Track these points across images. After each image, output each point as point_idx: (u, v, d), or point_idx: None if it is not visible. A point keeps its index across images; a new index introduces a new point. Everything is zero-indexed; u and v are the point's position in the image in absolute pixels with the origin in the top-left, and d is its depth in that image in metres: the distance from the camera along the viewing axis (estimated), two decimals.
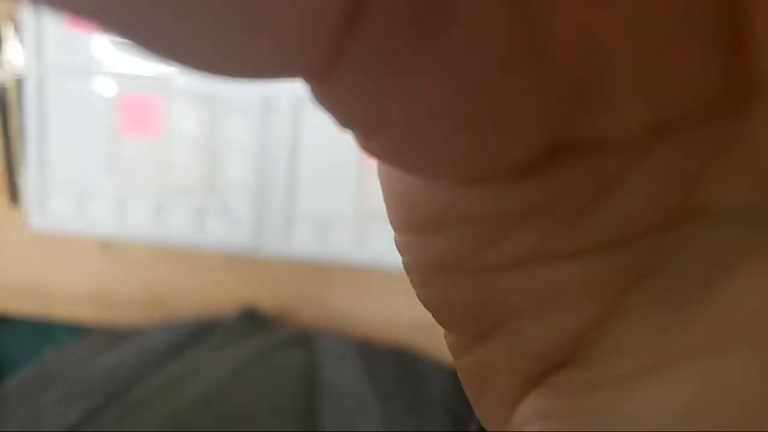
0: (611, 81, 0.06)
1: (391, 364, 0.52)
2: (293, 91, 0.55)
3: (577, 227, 0.08)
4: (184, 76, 0.54)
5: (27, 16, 0.55)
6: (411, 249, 0.09)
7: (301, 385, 0.40)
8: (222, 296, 0.60)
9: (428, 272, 0.09)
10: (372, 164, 0.57)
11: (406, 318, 0.60)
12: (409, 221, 0.09)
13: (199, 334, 0.52)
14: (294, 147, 0.58)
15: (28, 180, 0.58)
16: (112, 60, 0.57)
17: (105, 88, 0.57)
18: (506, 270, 0.08)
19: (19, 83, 0.57)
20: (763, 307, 0.06)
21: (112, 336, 0.53)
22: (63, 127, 0.58)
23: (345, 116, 0.07)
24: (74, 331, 0.61)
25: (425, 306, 0.10)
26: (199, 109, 0.57)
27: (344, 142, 0.57)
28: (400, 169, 0.08)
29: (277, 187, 0.58)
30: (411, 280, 0.10)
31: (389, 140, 0.07)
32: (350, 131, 0.08)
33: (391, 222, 0.09)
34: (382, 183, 0.09)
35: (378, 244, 0.59)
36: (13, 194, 0.60)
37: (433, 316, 0.10)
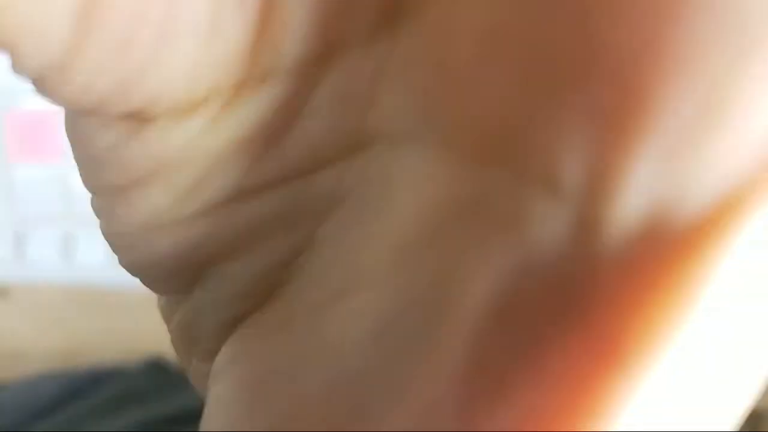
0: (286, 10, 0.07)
1: None
2: None
3: (266, 162, 0.08)
4: None
5: None
6: (110, 211, 0.09)
7: None
8: (144, 342, 0.51)
9: (130, 234, 0.09)
10: None
11: None
12: (106, 181, 0.08)
13: (93, 384, 0.44)
14: None
15: None
16: None
17: None
18: (205, 215, 0.08)
19: None
20: (413, 228, 0.07)
21: None
22: None
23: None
24: None
25: (130, 271, 0.09)
26: None
27: None
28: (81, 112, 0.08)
29: None
30: (111, 246, 0.09)
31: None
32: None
33: (85, 185, 0.09)
34: (71, 145, 0.09)
35: None
36: None
37: (141, 279, 0.09)
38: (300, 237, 0.08)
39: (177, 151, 0.08)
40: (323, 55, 0.07)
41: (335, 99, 0.07)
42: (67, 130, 0.09)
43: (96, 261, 0.51)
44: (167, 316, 0.10)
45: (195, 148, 0.08)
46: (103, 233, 0.09)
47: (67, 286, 0.51)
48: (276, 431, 0.07)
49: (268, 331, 0.08)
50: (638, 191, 0.06)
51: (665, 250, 0.06)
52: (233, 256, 0.08)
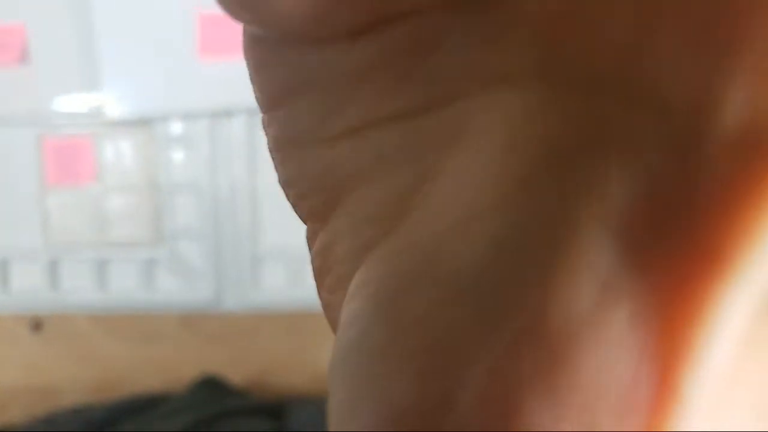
0: None
1: None
2: (244, 107, 0.47)
3: (400, 91, 0.08)
4: (113, 108, 0.46)
5: None
6: (271, 125, 0.10)
7: None
8: (183, 367, 0.49)
9: (285, 148, 0.09)
10: None
11: None
12: (269, 94, 0.09)
13: (141, 408, 0.43)
14: (252, 175, 0.49)
15: None
16: (28, 99, 0.49)
17: (23, 132, 0.49)
18: (346, 137, 0.09)
19: None
20: (534, 160, 0.07)
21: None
22: None
23: None
24: None
25: (284, 187, 0.10)
26: (135, 144, 0.48)
27: None
28: (249, 22, 0.09)
29: (236, 227, 0.49)
30: (273, 161, 0.10)
31: None
32: None
33: (258, 103, 0.10)
34: (248, 64, 0.09)
35: None
36: None
37: (290, 200, 0.10)
38: (425, 167, 0.08)
39: (323, 72, 0.09)
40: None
41: (469, 38, 0.08)
42: (245, 49, 0.09)
43: (128, 285, 0.49)
44: (310, 246, 0.10)
45: (337, 71, 0.08)
46: (270, 149, 0.10)
47: (100, 313, 0.50)
48: (406, 336, 0.07)
49: (394, 255, 0.08)
50: (736, 108, 0.07)
51: (763, 164, 0.07)
52: (366, 181, 0.09)
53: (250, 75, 0.10)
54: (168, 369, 0.49)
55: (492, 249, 0.07)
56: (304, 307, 0.49)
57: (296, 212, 0.10)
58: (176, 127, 0.48)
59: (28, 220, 0.49)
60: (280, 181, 0.10)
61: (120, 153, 0.49)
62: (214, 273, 0.49)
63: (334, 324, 0.09)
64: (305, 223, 0.10)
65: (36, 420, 0.47)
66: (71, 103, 0.48)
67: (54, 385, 0.50)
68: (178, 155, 0.49)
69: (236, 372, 0.49)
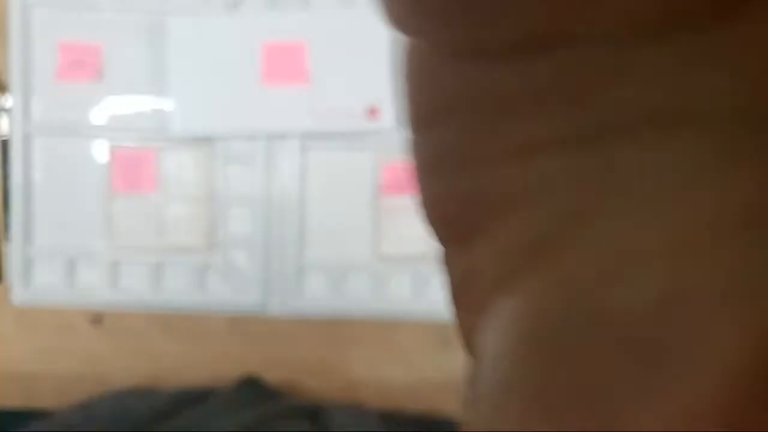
0: None
1: None
2: (298, 131, 0.51)
3: (572, 116, 0.08)
4: (179, 125, 0.51)
5: (14, 73, 0.52)
6: (422, 145, 0.09)
7: None
8: (227, 365, 0.53)
9: (435, 168, 0.09)
10: (387, 203, 0.52)
11: (436, 378, 0.53)
12: (425, 112, 0.09)
13: (187, 403, 0.46)
14: (301, 192, 0.53)
15: (11, 250, 0.53)
16: (101, 113, 0.53)
17: (95, 143, 0.53)
18: (505, 160, 0.08)
19: (4, 145, 0.53)
20: (691, 226, 0.07)
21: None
22: (50, 189, 0.53)
23: None
24: None
25: (426, 208, 0.10)
26: (196, 159, 0.53)
27: (355, 182, 0.53)
28: (408, 31, 0.09)
29: (284, 239, 0.53)
30: (416, 184, 0.10)
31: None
32: None
33: (408, 120, 0.09)
34: (405, 79, 0.09)
35: (399, 291, 0.53)
36: None
37: (430, 221, 0.10)
38: (588, 201, 0.08)
39: (488, 90, 0.08)
40: (662, 25, 0.07)
41: (654, 69, 0.07)
42: (405, 65, 0.09)
43: (182, 287, 0.53)
44: (448, 269, 0.10)
45: (505, 90, 0.08)
46: (414, 163, 0.09)
47: (155, 311, 0.54)
48: (567, 379, 0.07)
49: (550, 292, 0.08)
50: None
51: None
52: (520, 208, 0.08)
53: (407, 92, 0.09)
54: (213, 366, 0.53)
55: (661, 302, 0.07)
56: (342, 316, 0.53)
57: (435, 233, 0.10)
58: (234, 145, 0.52)
59: (94, 223, 0.53)
60: (421, 202, 0.10)
61: (181, 166, 0.53)
62: (261, 280, 0.53)
63: (467, 340, 0.09)
64: (444, 245, 0.10)
65: (86, 404, 0.50)
66: (140, 118, 0.53)
67: (108, 375, 0.54)
68: (234, 170, 0.53)
69: (275, 373, 0.53)
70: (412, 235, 0.52)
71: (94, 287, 0.53)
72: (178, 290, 0.53)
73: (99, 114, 0.53)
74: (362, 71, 0.49)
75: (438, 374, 0.53)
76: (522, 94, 0.08)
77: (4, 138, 0.53)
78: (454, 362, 0.53)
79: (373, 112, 0.50)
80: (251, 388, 0.50)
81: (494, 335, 0.08)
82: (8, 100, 0.52)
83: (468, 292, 0.09)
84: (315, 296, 0.53)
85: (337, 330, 0.53)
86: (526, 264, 0.08)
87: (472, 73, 0.08)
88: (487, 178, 0.08)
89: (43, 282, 0.54)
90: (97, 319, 0.54)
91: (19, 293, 0.53)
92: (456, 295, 0.10)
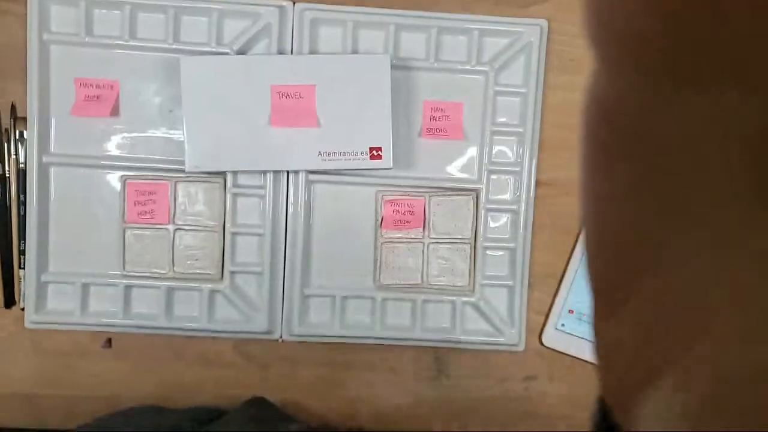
0: None
1: None
2: (304, 169, 0.54)
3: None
4: (190, 161, 0.53)
5: (32, 106, 0.54)
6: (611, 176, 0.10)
7: None
8: (235, 387, 0.56)
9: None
10: (387, 237, 0.56)
11: (431, 401, 0.57)
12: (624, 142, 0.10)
13: (196, 421, 0.48)
14: (306, 226, 0.56)
15: (26, 275, 0.55)
16: (116, 146, 0.56)
17: (110, 175, 0.56)
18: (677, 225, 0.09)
19: (22, 174, 0.55)
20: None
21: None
22: (66, 217, 0.56)
23: None
24: None
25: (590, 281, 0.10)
26: (207, 191, 0.56)
27: (357, 217, 0.57)
28: None
29: (290, 268, 0.56)
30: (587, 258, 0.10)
31: None
32: None
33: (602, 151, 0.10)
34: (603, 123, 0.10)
35: (398, 318, 0.57)
36: (9, 297, 0.56)
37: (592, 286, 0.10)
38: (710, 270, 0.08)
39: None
40: None
41: None
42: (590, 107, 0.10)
43: (193, 312, 0.56)
44: (597, 322, 0.11)
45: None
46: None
47: (165, 334, 0.56)
48: None
49: (707, 379, 0.08)
50: None
51: None
52: (669, 287, 0.09)
53: (589, 126, 0.10)
54: (222, 389, 0.56)
55: None
56: (342, 341, 0.56)
57: (594, 304, 0.10)
58: (244, 179, 0.56)
59: (109, 251, 0.56)
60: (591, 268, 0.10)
61: (192, 198, 0.56)
62: (268, 306, 0.56)
63: (615, 403, 0.10)
64: (597, 315, 0.10)
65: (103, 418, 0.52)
66: (154, 151, 0.55)
67: (118, 397, 0.56)
68: (243, 203, 0.56)
69: (280, 394, 0.56)
70: (409, 266, 0.56)
71: (107, 312, 0.56)
72: (188, 316, 0.56)
73: (114, 147, 0.55)
74: (365, 114, 0.53)
75: (433, 397, 0.57)
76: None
77: (22, 167, 0.55)
78: (448, 386, 0.57)
79: (375, 152, 0.53)
80: (258, 409, 0.53)
81: (654, 409, 0.09)
82: (26, 132, 0.54)
83: (613, 361, 0.10)
84: (317, 323, 0.57)
85: (338, 354, 0.57)
86: (673, 345, 0.08)
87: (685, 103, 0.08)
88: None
89: (56, 306, 0.56)
90: (108, 341, 0.57)
91: (32, 317, 0.55)
92: (606, 366, 0.10)
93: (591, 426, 0.11)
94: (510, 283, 0.57)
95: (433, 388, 0.57)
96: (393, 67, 0.53)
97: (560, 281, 0.57)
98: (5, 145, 0.55)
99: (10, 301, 0.56)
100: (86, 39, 0.54)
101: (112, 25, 0.54)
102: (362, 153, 0.53)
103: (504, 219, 0.57)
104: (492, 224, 0.57)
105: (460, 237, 0.56)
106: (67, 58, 0.55)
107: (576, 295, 0.57)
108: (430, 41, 0.55)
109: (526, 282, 0.57)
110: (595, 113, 0.10)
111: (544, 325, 0.58)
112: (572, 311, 0.58)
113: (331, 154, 0.53)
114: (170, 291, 0.56)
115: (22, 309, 0.56)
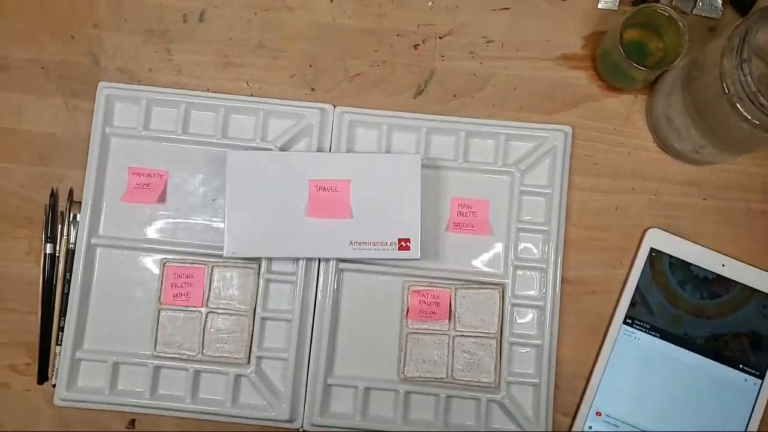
0: None
1: None
2: (336, 258, 0.57)
3: None
4: (229, 247, 0.56)
5: (88, 191, 0.58)
6: None
7: None
8: None
9: None
10: (412, 327, 0.57)
11: None
12: None
13: None
14: (334, 314, 0.57)
15: (62, 350, 0.57)
16: (159, 231, 0.59)
17: (150, 257, 0.58)
18: None
19: (71, 254, 0.58)
20: None
21: None
22: (105, 296, 0.58)
23: None
24: None
25: None
26: (242, 276, 0.58)
27: (384, 306, 0.58)
28: None
29: (315, 356, 0.57)
30: None
31: None
32: None
33: None
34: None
35: (420, 411, 0.56)
36: (43, 372, 0.58)
37: None
38: None
39: None
40: None
41: None
42: None
43: (218, 398, 0.57)
44: None
45: None
46: None
47: (186, 417, 0.56)
48: None
49: None
50: None
51: None
52: None
53: None
54: None
55: None
56: (367, 429, 0.55)
57: None
58: (277, 265, 0.58)
59: (142, 331, 0.57)
60: None
61: (227, 282, 0.58)
62: (291, 394, 0.56)
63: None
64: None
65: None
66: (194, 237, 0.58)
67: None
68: (275, 288, 0.58)
69: None
70: (434, 358, 0.56)
71: (134, 392, 0.57)
72: (213, 399, 0.57)
73: (156, 231, 0.59)
74: (396, 207, 0.55)
75: None
76: None
77: (71, 247, 0.59)
78: None
79: (403, 243, 0.55)
80: None
81: None
82: (79, 215, 0.58)
83: None
84: (340, 412, 0.56)
85: None
86: None
87: None
88: None
89: (86, 384, 0.57)
90: (131, 421, 0.57)
91: (62, 393, 0.56)
92: None
93: None
94: (536, 380, 0.56)
95: None
96: (423, 165, 0.57)
97: (587, 381, 0.57)
98: (59, 226, 0.59)
99: (43, 377, 0.58)
100: (143, 132, 0.59)
101: (167, 120, 0.60)
102: (391, 243, 0.55)
103: (530, 315, 0.58)
104: (518, 320, 0.58)
105: (486, 331, 0.57)
106: (124, 149, 0.59)
107: (604, 396, 0.56)
108: (459, 143, 0.59)
109: (552, 380, 0.56)
110: None
111: (570, 426, 0.56)
112: (599, 413, 0.56)
113: (361, 243, 0.55)
114: (197, 374, 0.57)
115: (53, 385, 0.57)
